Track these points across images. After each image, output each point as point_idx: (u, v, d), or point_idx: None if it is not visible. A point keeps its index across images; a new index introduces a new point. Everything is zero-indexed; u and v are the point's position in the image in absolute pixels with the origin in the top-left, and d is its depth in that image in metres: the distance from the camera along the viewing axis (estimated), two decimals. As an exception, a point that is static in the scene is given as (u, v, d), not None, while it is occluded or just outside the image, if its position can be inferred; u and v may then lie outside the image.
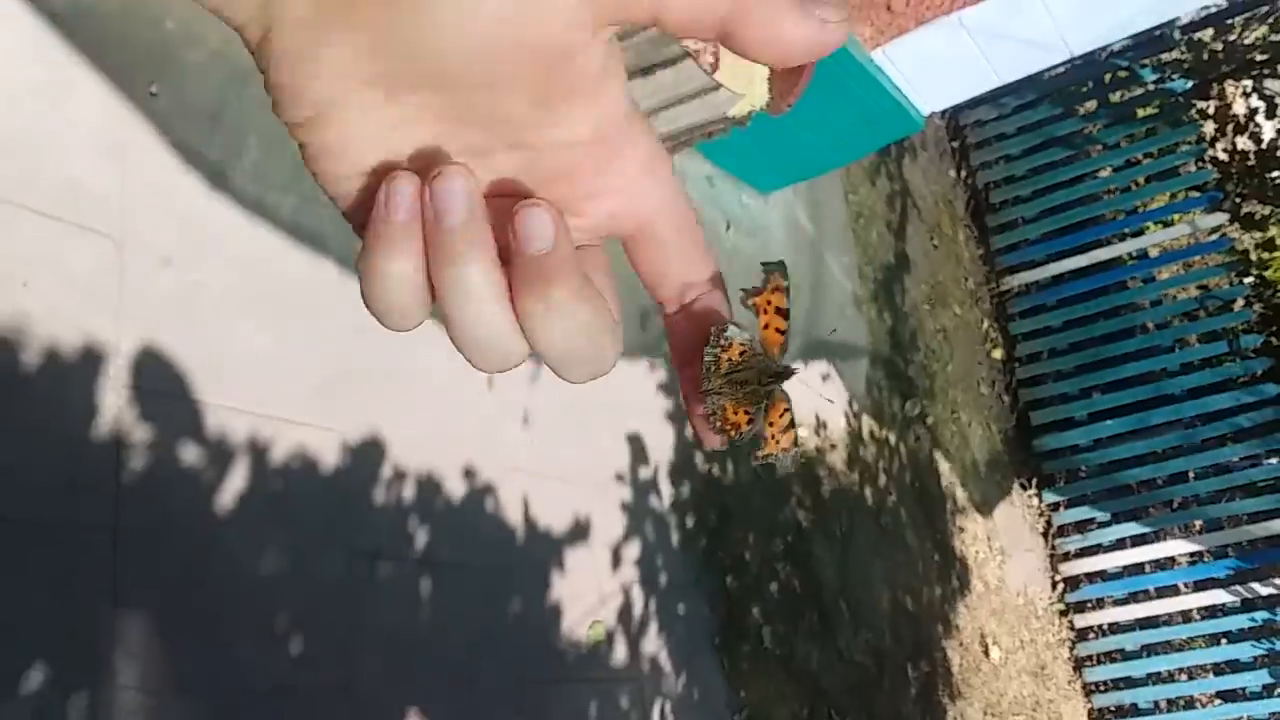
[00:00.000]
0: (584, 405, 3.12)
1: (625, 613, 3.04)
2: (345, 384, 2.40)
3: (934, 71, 3.81)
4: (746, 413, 0.41)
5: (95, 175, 2.05)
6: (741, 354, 0.40)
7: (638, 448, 3.29)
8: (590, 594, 2.93)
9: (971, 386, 6.65)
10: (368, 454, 2.39)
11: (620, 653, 2.98)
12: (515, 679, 2.61)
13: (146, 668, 1.86)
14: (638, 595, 3.10)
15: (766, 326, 0.42)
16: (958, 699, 5.10)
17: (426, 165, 0.33)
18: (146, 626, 1.88)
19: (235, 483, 2.12)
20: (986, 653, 5.65)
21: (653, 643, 3.12)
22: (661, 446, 3.39)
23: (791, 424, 0.43)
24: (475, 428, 2.72)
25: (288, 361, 2.30)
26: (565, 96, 0.32)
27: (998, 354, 7.12)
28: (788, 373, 0.42)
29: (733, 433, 0.40)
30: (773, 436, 0.42)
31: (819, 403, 4.60)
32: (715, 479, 3.62)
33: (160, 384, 2.06)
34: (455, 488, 2.59)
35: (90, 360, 1.97)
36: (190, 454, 2.07)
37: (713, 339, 0.38)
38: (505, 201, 0.33)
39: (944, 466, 5.83)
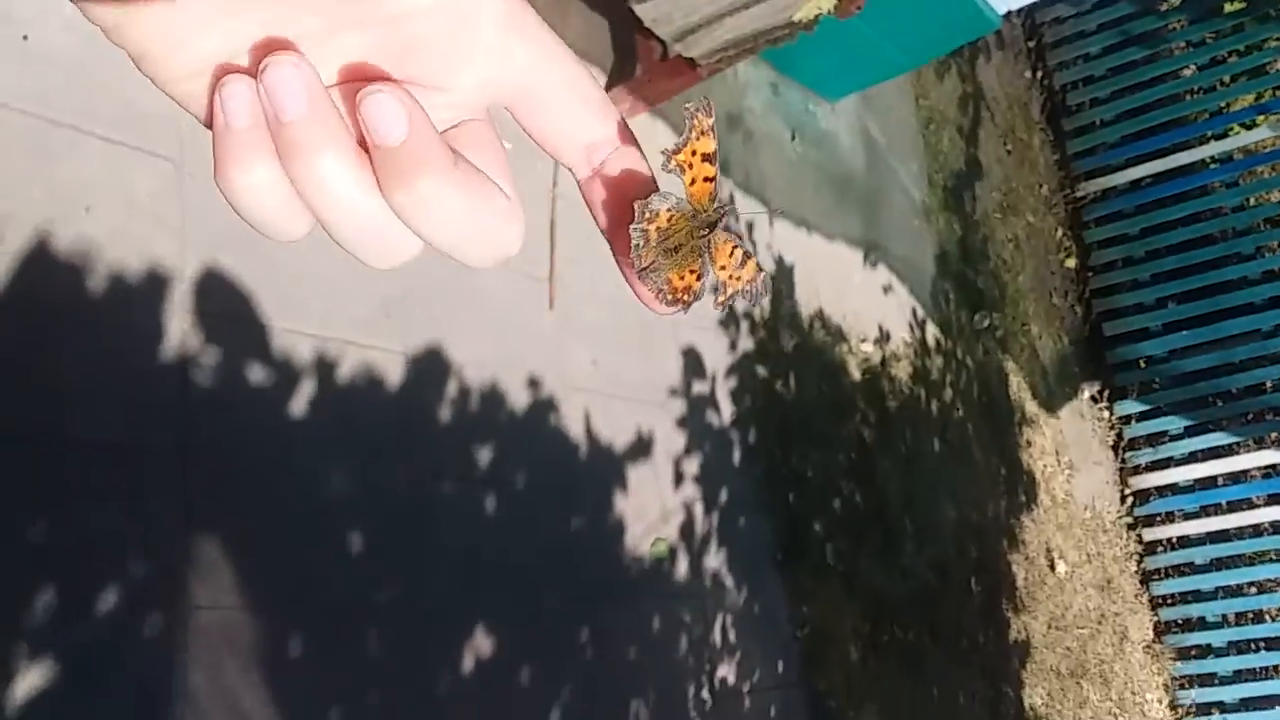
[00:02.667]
0: (645, 321, 3.09)
1: (687, 529, 3.05)
2: (408, 304, 2.40)
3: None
4: (691, 272, 0.39)
5: (154, 97, 2.03)
6: (670, 220, 0.37)
7: (696, 363, 3.27)
8: (652, 511, 2.94)
9: (1043, 297, 6.50)
10: (431, 374, 2.40)
11: (682, 569, 3.00)
12: (579, 595, 2.64)
13: (220, 586, 1.91)
14: (700, 512, 3.11)
15: (693, 181, 0.39)
16: (1021, 612, 5.09)
17: (263, 57, 0.30)
18: (219, 546, 1.92)
19: (301, 404, 2.14)
20: (1052, 566, 5.62)
21: (715, 559, 3.13)
22: (721, 360, 3.37)
23: (746, 255, 0.40)
24: (536, 346, 2.71)
25: (351, 283, 2.30)
26: None
27: (1071, 263, 6.94)
28: (721, 217, 0.39)
29: (686, 297, 0.38)
30: (731, 277, 0.40)
31: (883, 313, 4.53)
32: (777, 394, 3.59)
33: (225, 306, 2.07)
34: (518, 406, 2.60)
35: (155, 284, 1.98)
36: (257, 376, 2.09)
37: (637, 215, 0.36)
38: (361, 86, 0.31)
39: (1013, 379, 5.73)
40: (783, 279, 3.82)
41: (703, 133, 0.38)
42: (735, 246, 0.40)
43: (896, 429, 4.36)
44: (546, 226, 2.83)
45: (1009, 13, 4.39)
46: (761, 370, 3.53)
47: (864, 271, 4.49)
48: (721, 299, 0.40)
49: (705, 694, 2.95)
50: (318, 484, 2.12)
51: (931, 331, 4.95)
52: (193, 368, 2.00)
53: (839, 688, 3.53)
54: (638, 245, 0.36)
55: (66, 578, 1.65)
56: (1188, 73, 6.66)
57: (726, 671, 3.05)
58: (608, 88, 3.08)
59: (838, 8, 2.38)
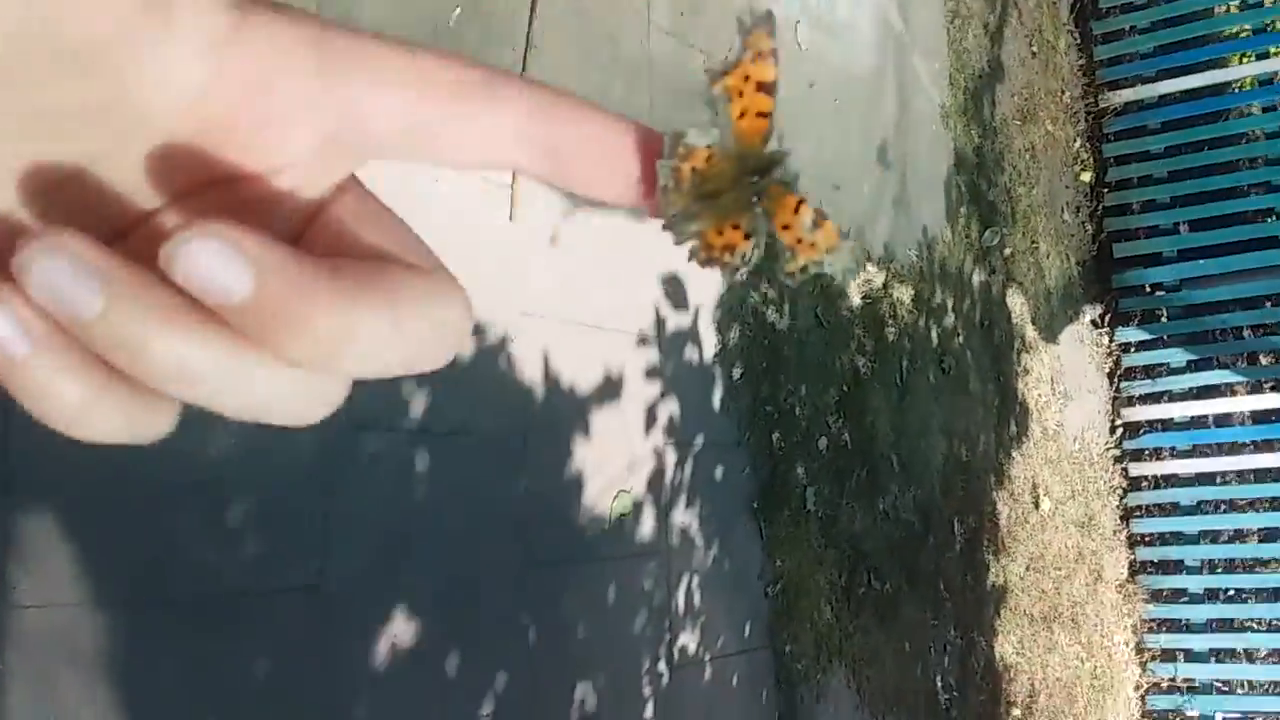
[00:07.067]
0: (624, 240, 2.64)
1: (656, 480, 2.67)
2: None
3: None
4: (735, 227, 0.31)
5: None
6: (709, 160, 0.30)
7: (679, 290, 2.83)
8: (617, 461, 2.55)
9: (1054, 213, 6.09)
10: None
11: (647, 526, 2.63)
12: (520, 563, 2.25)
13: (55, 579, 1.51)
14: (671, 460, 2.73)
15: (743, 114, 0.31)
16: (1001, 554, 4.83)
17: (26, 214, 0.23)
18: (52, 529, 1.51)
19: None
20: (1037, 504, 5.36)
21: (685, 513, 2.77)
22: (709, 289, 2.93)
23: (820, 216, 0.32)
24: (492, 265, 2.26)
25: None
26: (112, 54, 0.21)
27: (1086, 177, 6.51)
28: (778, 158, 0.31)
29: (727, 258, 0.31)
30: (800, 241, 0.32)
31: (891, 229, 4.10)
32: (769, 323, 3.18)
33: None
34: (462, 342, 2.17)
35: None
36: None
37: (667, 150, 0.28)
38: (186, 205, 0.24)
39: (1015, 301, 5.36)
40: (785, 190, 3.37)
41: (760, 54, 0.31)
42: (801, 202, 0.32)
43: (893, 358, 3.98)
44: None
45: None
46: (754, 297, 3.11)
47: (873, 182, 4.03)
48: (792, 267, 0.32)
49: (662, 666, 2.62)
50: (193, 449, 1.69)
51: (939, 250, 4.53)
52: None
53: (808, 648, 3.23)
54: (665, 187, 0.28)
55: None
56: (1234, -19, 6.14)
57: (688, 640, 2.72)
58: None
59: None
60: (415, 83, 0.25)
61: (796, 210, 0.32)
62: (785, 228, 0.32)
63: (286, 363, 0.22)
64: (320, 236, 0.25)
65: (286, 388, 0.23)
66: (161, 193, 0.24)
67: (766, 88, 0.31)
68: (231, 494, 1.72)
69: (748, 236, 0.31)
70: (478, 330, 2.18)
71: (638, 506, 2.59)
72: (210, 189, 0.24)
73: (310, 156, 0.25)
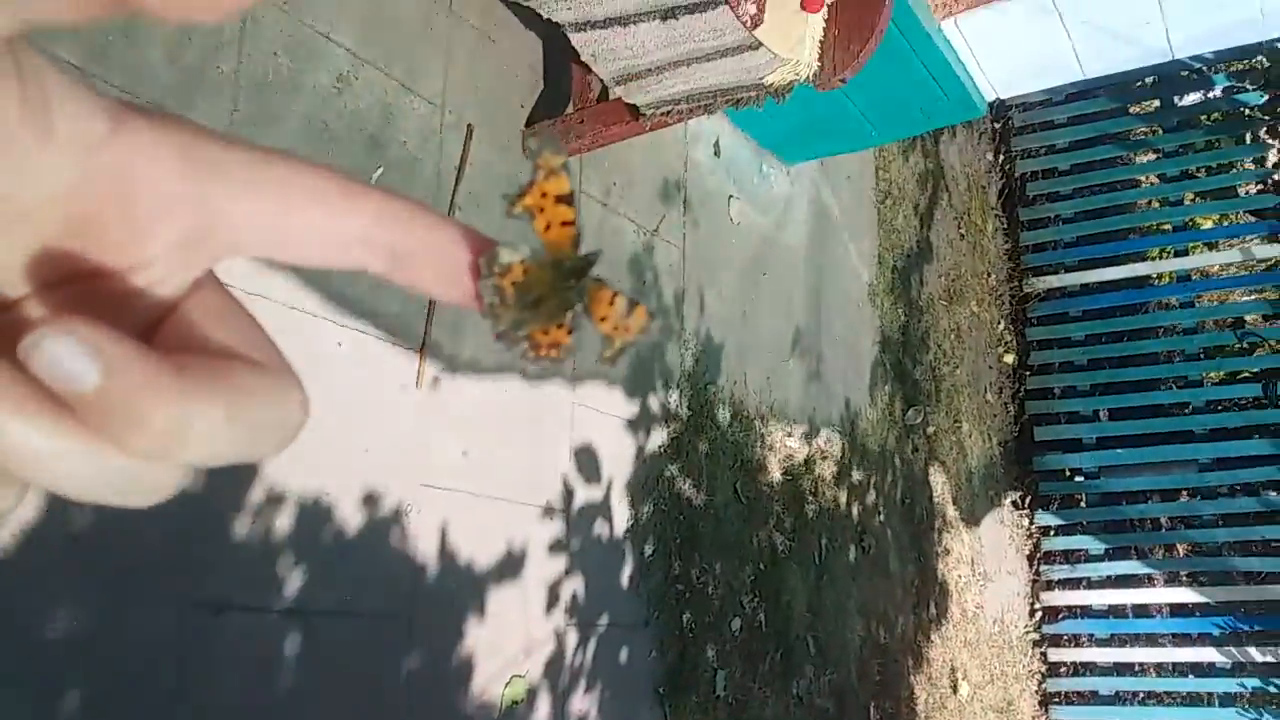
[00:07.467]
0: (535, 410, 2.55)
1: (555, 664, 2.51)
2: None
3: (1008, 53, 3.22)
4: (560, 326, 0.34)
5: None
6: (526, 272, 0.32)
7: (592, 460, 2.73)
8: (514, 642, 2.39)
9: (977, 393, 6.14)
10: (225, 473, 1.81)
11: (541, 713, 2.46)
12: (398, 758, 2.07)
13: None
14: (573, 641, 2.57)
15: (548, 227, 0.34)
16: (918, 741, 4.67)
17: None
18: None
19: (21, 511, 1.56)
20: (955, 688, 5.23)
21: (582, 699, 2.60)
22: (622, 460, 2.84)
23: (632, 303, 0.35)
24: (389, 433, 2.15)
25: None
26: None
27: (1009, 359, 6.62)
28: (589, 261, 0.35)
29: (556, 353, 0.34)
30: (614, 329, 0.35)
31: (814, 404, 4.07)
32: (685, 498, 3.09)
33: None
34: (349, 513, 2.03)
35: None
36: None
37: (484, 271, 0.30)
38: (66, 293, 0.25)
39: (937, 480, 5.34)
40: (708, 362, 3.33)
41: (551, 172, 0.34)
42: (615, 294, 0.36)
43: (812, 536, 3.89)
44: (429, 281, 2.28)
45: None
46: (671, 470, 3.02)
47: (798, 357, 4.02)
48: (609, 354, 0.36)
49: None
50: (30, 622, 1.53)
51: (862, 426, 4.51)
52: None
53: None
54: (492, 304, 0.31)
55: None
56: (1154, 182, 6.40)
57: (575, 842, 2.51)
58: (528, 123, 2.56)
59: (820, 78, 1.90)
60: (273, 187, 0.27)
61: (611, 302, 0.35)
62: (603, 319, 0.35)
63: (125, 452, 0.22)
64: (175, 329, 0.26)
65: (123, 474, 0.23)
66: (25, 284, 0.25)
67: (564, 199, 0.33)
68: (65, 682, 1.54)
69: (570, 332, 0.34)
70: (370, 502, 2.05)
71: (532, 693, 2.42)
72: (73, 281, 0.25)
73: (170, 254, 0.26)
